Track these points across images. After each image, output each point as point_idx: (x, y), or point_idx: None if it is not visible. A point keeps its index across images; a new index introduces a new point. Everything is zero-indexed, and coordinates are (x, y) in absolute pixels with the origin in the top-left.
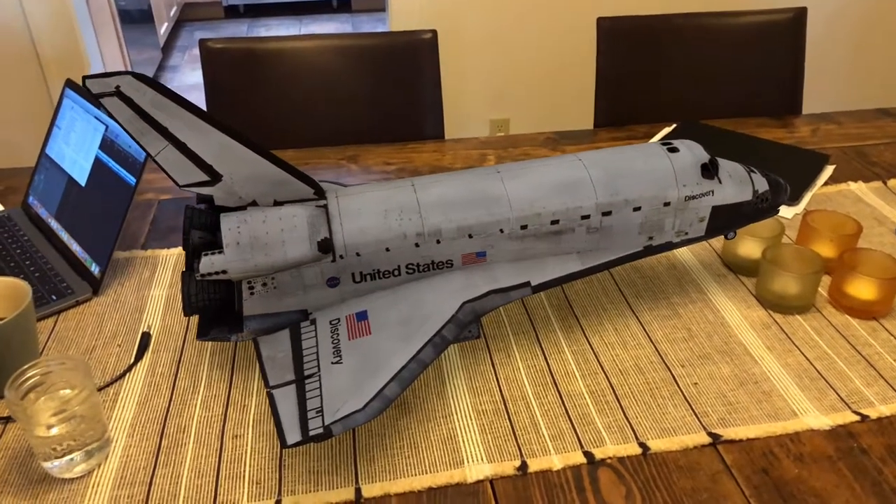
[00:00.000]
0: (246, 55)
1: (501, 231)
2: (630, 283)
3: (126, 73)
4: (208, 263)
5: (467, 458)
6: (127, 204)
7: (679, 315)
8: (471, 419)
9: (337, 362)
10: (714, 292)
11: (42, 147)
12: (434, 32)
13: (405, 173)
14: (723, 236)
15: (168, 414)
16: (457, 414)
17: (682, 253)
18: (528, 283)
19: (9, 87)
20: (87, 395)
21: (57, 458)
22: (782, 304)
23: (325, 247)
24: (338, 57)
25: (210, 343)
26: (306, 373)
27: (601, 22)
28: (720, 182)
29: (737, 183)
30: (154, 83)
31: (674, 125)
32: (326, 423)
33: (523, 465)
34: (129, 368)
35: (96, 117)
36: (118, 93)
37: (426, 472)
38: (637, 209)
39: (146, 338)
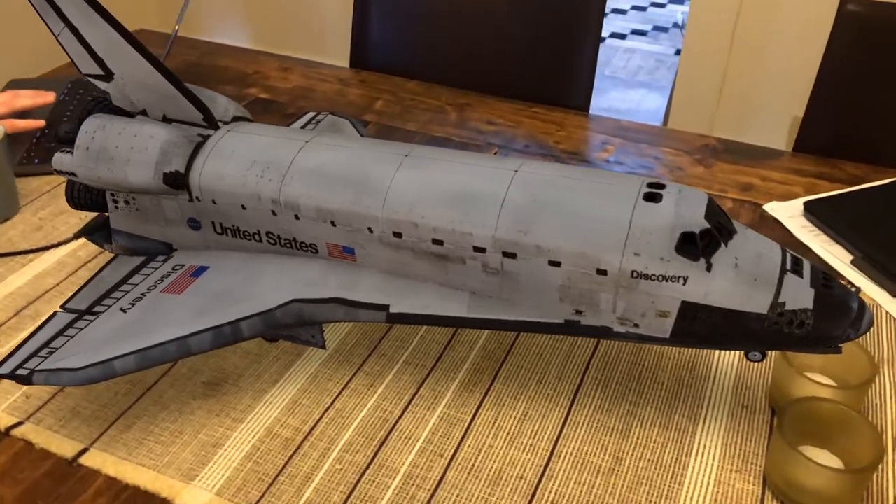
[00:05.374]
0: None
1: (370, 230)
2: (611, 363)
3: None
4: (59, 160)
5: (202, 478)
6: None
7: (628, 435)
8: (253, 436)
9: (125, 310)
10: (712, 430)
11: None
12: None
13: (498, 139)
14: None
15: (42, 296)
16: (251, 423)
17: (729, 357)
18: (385, 308)
19: None
20: None
21: None
22: (792, 499)
23: (174, 181)
24: None
25: None
26: (96, 308)
27: (844, 6)
28: (708, 269)
29: (744, 281)
30: None
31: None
32: (37, 368)
33: None
34: (62, 242)
35: None
36: None
37: (153, 469)
38: (555, 264)
39: (98, 220)
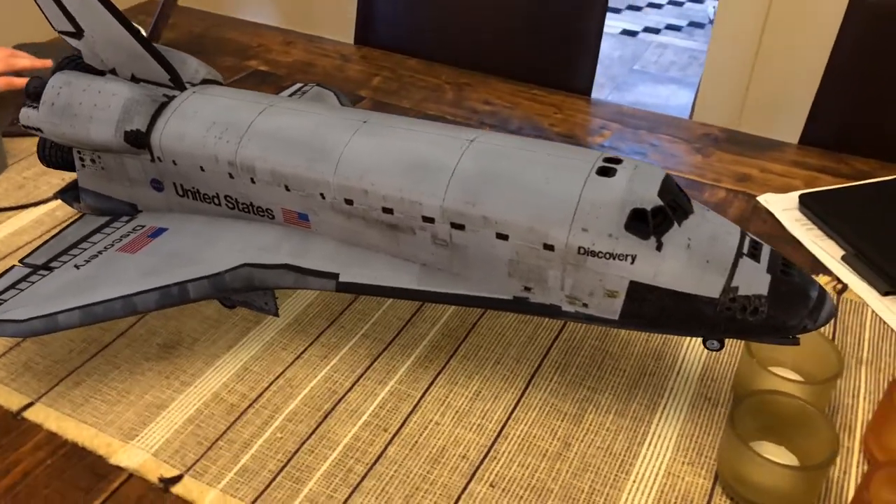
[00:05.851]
0: None
1: (322, 196)
2: (574, 346)
3: None
4: (25, 115)
5: (141, 439)
6: None
7: (580, 421)
8: (199, 400)
9: (79, 266)
10: (669, 420)
11: None
12: None
13: (493, 119)
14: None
15: (14, 253)
16: (199, 386)
17: (698, 348)
18: (335, 276)
19: None
20: None
21: None
22: (742, 496)
23: (135, 139)
24: None
25: None
26: (52, 264)
27: None
28: (658, 248)
29: (695, 262)
30: None
31: None
32: None
33: (173, 481)
34: (41, 202)
35: None
36: None
37: (94, 427)
38: (503, 237)
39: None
